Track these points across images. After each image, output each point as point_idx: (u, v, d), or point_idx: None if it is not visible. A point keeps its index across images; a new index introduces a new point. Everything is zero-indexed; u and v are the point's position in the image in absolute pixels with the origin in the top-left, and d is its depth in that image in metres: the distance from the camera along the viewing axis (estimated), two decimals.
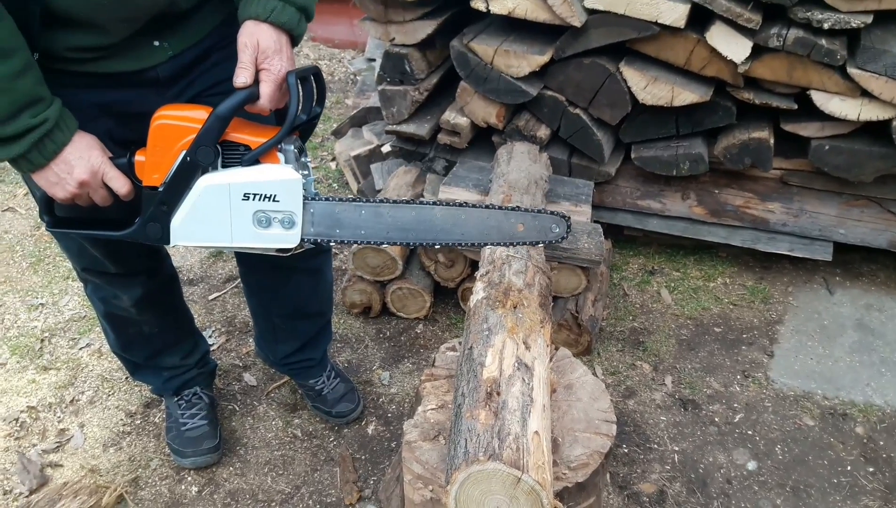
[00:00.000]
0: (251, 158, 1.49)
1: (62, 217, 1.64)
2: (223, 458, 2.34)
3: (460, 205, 1.63)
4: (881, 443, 2.36)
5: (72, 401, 2.54)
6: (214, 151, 1.47)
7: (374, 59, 4.07)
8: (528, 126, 2.87)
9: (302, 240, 1.57)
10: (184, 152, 1.47)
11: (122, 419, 2.47)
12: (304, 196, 1.53)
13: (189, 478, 2.28)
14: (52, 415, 2.49)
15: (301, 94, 1.49)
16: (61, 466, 2.31)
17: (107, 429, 2.44)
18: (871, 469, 2.28)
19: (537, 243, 1.70)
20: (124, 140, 1.61)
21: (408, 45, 2.81)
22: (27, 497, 2.18)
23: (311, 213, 1.57)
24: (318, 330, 2.36)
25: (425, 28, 2.75)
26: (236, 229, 1.53)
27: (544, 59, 2.65)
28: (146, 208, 1.54)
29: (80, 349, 2.75)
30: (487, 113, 2.85)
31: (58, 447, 2.37)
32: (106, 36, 1.49)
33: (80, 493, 2.07)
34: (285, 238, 1.55)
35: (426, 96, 2.96)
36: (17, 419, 2.45)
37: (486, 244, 1.68)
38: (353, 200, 1.60)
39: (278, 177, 1.50)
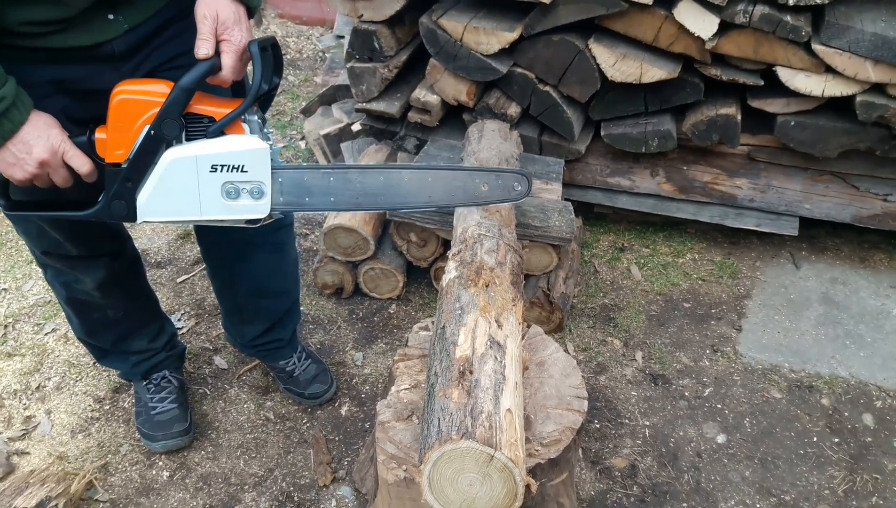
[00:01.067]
0: (216, 129, 1.48)
1: (19, 200, 1.59)
2: (195, 442, 2.32)
3: (427, 168, 1.67)
4: (846, 414, 2.40)
5: (38, 387, 2.50)
6: (179, 123, 1.46)
7: (342, 36, 4.02)
8: (498, 104, 2.86)
9: (272, 210, 1.56)
10: (147, 127, 1.45)
11: (90, 405, 2.44)
12: (271, 165, 1.52)
13: (160, 463, 2.26)
14: (18, 402, 2.45)
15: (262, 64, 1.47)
16: (28, 454, 2.28)
17: (74, 415, 2.41)
18: (836, 440, 2.32)
19: (502, 201, 1.76)
20: (80, 118, 1.57)
21: (376, 21, 2.77)
22: None
23: (280, 182, 1.57)
24: (286, 310, 2.34)
25: (393, 4, 2.72)
26: (205, 201, 1.52)
27: (514, 35, 2.64)
28: (110, 185, 1.51)
29: (46, 334, 2.71)
30: (458, 91, 2.83)
31: (24, 434, 2.34)
32: (62, 9, 1.45)
33: (48, 480, 2.04)
34: (255, 208, 1.54)
35: (396, 74, 2.93)
36: None
37: (453, 206, 1.73)
38: (321, 167, 1.58)
39: (246, 147, 1.49)
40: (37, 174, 1.45)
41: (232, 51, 1.48)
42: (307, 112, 3.80)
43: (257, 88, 1.45)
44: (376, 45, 2.80)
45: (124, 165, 1.48)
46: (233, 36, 1.48)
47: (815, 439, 2.33)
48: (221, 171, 1.49)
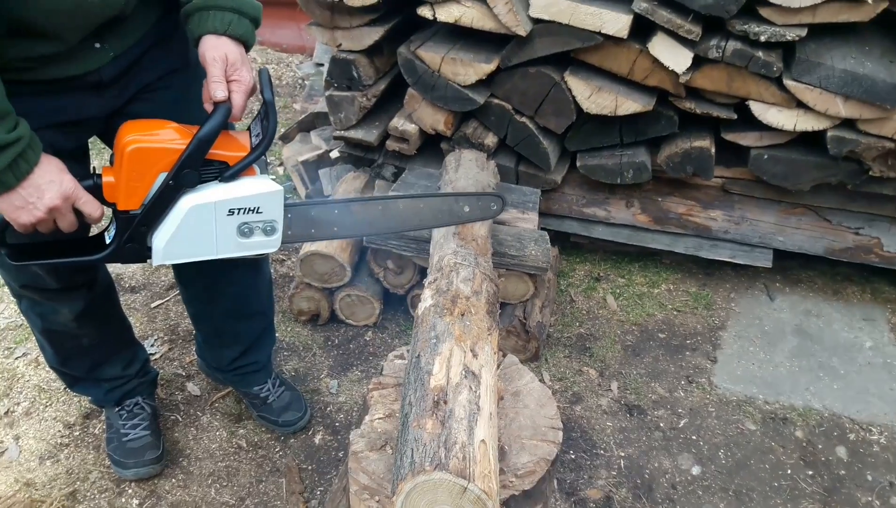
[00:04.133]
0: (231, 174, 1.51)
1: (22, 247, 1.56)
2: (165, 470, 2.29)
3: (419, 196, 1.91)
4: (819, 446, 2.42)
5: (6, 413, 2.46)
6: (197, 173, 1.48)
7: (322, 64, 4.04)
8: (475, 134, 2.88)
9: (282, 244, 1.62)
10: (164, 175, 1.46)
11: (59, 431, 2.40)
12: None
13: (130, 490, 2.23)
14: None
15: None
16: None
17: (43, 441, 2.37)
18: (810, 472, 2.34)
19: (482, 219, 2.05)
20: (65, 150, 1.57)
21: (355, 50, 2.79)
22: None
23: (289, 217, 1.63)
24: (261, 331, 2.33)
25: (372, 34, 2.74)
26: (221, 242, 1.56)
27: (491, 67, 2.66)
28: (122, 230, 1.51)
29: (16, 358, 2.67)
30: (435, 120, 2.85)
31: None
32: (59, 43, 1.47)
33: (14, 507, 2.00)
34: (267, 244, 1.60)
35: (374, 102, 2.94)
36: None
37: (441, 226, 1.98)
38: (327, 201, 1.65)
39: (262, 190, 1.53)
40: (43, 219, 1.42)
41: (242, 91, 1.52)
42: (286, 138, 3.80)
43: (272, 134, 1.49)
44: (355, 74, 2.82)
45: (138, 211, 1.49)
46: (242, 76, 1.52)
47: (789, 471, 2.34)
48: (238, 213, 1.53)
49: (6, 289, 2.91)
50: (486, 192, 1.87)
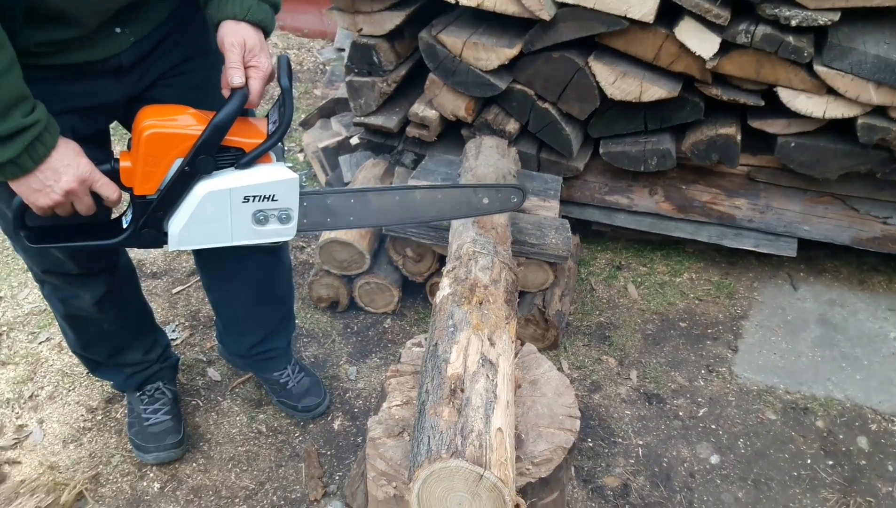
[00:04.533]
0: (247, 161, 1.51)
1: (41, 230, 1.57)
2: (186, 454, 2.31)
3: (437, 187, 1.85)
4: (840, 437, 2.39)
5: (31, 396, 2.49)
6: (213, 159, 1.48)
7: (343, 49, 4.03)
8: (496, 120, 2.86)
9: (297, 232, 1.62)
10: (180, 161, 1.46)
11: (82, 415, 2.43)
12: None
13: (151, 474, 2.25)
14: (10, 411, 2.44)
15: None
16: (19, 463, 2.27)
17: (67, 425, 2.40)
18: (830, 463, 2.31)
19: (501, 211, 2.00)
20: (85, 135, 1.59)
21: (376, 35, 2.78)
22: None
23: (304, 206, 1.63)
24: (281, 318, 2.34)
25: (393, 19, 2.72)
26: (236, 229, 1.56)
27: (513, 52, 2.64)
28: (138, 215, 1.52)
29: (40, 343, 2.70)
30: (456, 106, 2.84)
31: (16, 443, 2.33)
32: (79, 28, 1.47)
33: (38, 491, 2.03)
34: (282, 232, 1.60)
35: (394, 88, 2.93)
36: None
37: (458, 218, 1.95)
38: (343, 190, 1.64)
39: (277, 178, 1.53)
40: (61, 202, 1.43)
41: (259, 77, 1.51)
42: (306, 125, 3.80)
43: (289, 121, 1.49)
44: (375, 60, 2.81)
45: (154, 197, 1.50)
46: (260, 62, 1.51)
47: (809, 461, 2.32)
48: (253, 201, 1.53)
49: (30, 275, 2.95)
50: (506, 183, 1.84)
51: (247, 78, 1.50)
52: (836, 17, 2.35)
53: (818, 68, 2.45)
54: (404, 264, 2.72)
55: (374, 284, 2.75)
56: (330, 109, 3.69)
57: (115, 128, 1.82)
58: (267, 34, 1.58)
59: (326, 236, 2.61)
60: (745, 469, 2.29)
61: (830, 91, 2.49)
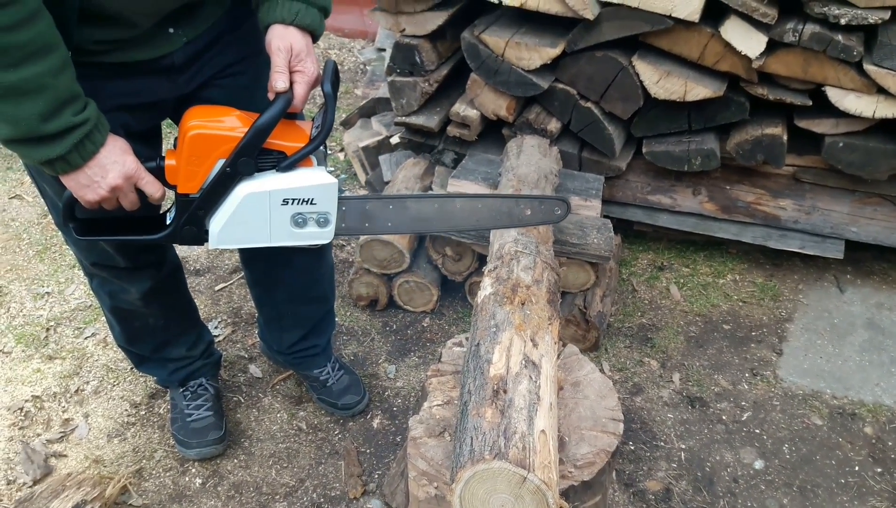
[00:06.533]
0: (288, 165, 1.53)
1: (88, 223, 1.62)
2: (227, 450, 2.33)
3: (477, 197, 1.81)
4: (889, 444, 2.34)
5: (77, 391, 2.53)
6: (254, 162, 1.50)
7: (384, 49, 4.04)
8: (538, 119, 2.85)
9: (335, 236, 1.64)
10: (222, 162, 1.49)
11: (126, 410, 2.47)
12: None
13: (193, 470, 2.28)
14: (57, 405, 2.48)
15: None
16: (65, 456, 2.31)
17: (111, 420, 2.44)
18: (879, 470, 2.26)
19: (543, 223, 1.95)
20: (137, 132, 1.63)
21: (418, 35, 2.78)
22: (31, 487, 2.18)
23: (343, 210, 1.65)
24: (322, 316, 2.35)
25: (436, 19, 2.72)
26: (275, 230, 1.58)
27: (556, 51, 2.63)
28: (180, 212, 1.55)
29: (86, 338, 2.75)
30: (498, 106, 2.83)
31: (62, 437, 2.37)
32: (132, 28, 1.50)
33: (84, 484, 2.06)
34: (321, 235, 1.61)
35: (436, 88, 2.93)
36: (21, 409, 2.45)
37: (498, 228, 1.92)
38: (382, 196, 1.65)
39: (316, 182, 1.54)
40: (107, 198, 1.48)
41: (305, 82, 1.53)
42: (347, 124, 3.82)
43: (330, 127, 1.50)
44: (417, 60, 2.81)
45: (196, 195, 1.53)
46: (306, 67, 1.53)
47: (856, 468, 2.27)
48: (292, 204, 1.55)
49: (78, 271, 3.02)
50: (549, 195, 1.82)
51: (292, 83, 1.51)
52: (887, 15, 2.30)
53: (868, 67, 2.39)
54: (444, 264, 2.72)
55: (414, 282, 2.75)
56: (370, 109, 3.70)
57: (170, 125, 1.84)
58: (315, 39, 1.59)
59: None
60: (791, 475, 2.25)
61: (881, 90, 2.44)
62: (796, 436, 2.37)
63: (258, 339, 2.60)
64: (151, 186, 1.51)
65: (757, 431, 2.39)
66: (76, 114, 1.36)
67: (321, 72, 1.54)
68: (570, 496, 1.48)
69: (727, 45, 2.46)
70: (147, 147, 1.61)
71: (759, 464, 2.28)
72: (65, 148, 1.37)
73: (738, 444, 2.34)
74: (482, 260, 2.61)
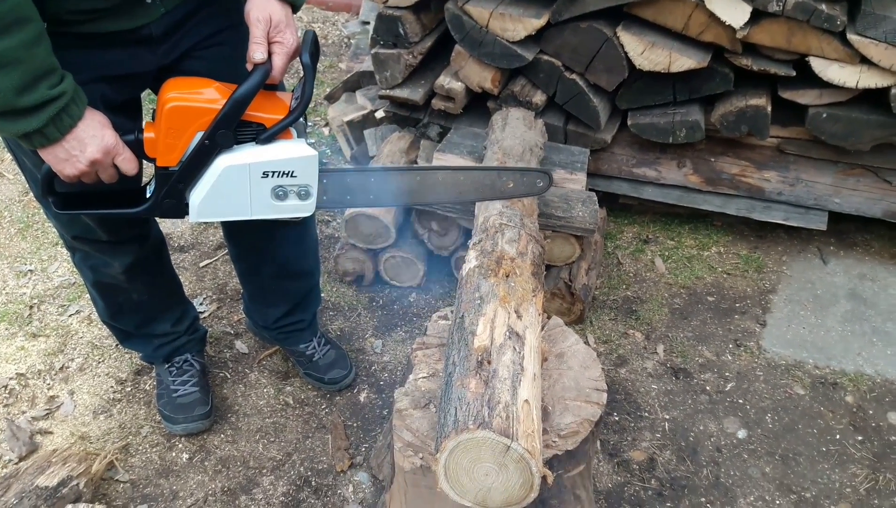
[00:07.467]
0: (267, 137, 1.52)
1: (68, 197, 1.61)
2: (214, 425, 2.33)
3: (459, 168, 1.83)
4: (870, 412, 2.37)
5: (61, 368, 2.53)
6: (233, 133, 1.49)
7: (368, 22, 4.00)
8: (523, 92, 2.84)
9: (316, 208, 1.63)
10: (200, 134, 1.48)
11: (112, 387, 2.46)
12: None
13: (180, 445, 2.28)
14: (42, 382, 2.47)
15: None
16: (51, 433, 2.31)
17: (97, 396, 2.43)
18: (859, 438, 2.29)
19: (526, 196, 1.95)
20: (115, 103, 1.61)
21: (402, 6, 2.75)
22: (16, 464, 2.18)
23: (324, 183, 1.64)
24: (307, 291, 2.35)
25: None
26: (255, 203, 1.58)
27: (540, 22, 2.61)
28: (160, 185, 1.55)
29: (70, 315, 2.73)
30: (482, 78, 2.81)
31: (47, 414, 2.37)
32: None
33: (70, 460, 2.06)
34: (301, 208, 1.61)
35: (420, 60, 2.91)
36: (5, 387, 2.44)
37: (481, 200, 1.90)
38: (363, 169, 1.64)
39: (296, 154, 1.54)
40: (86, 172, 1.47)
41: (283, 53, 1.51)
42: (331, 98, 3.79)
43: (309, 98, 1.50)
44: (401, 31, 2.78)
45: (176, 168, 1.52)
46: (285, 38, 1.51)
47: (837, 436, 2.30)
48: (272, 176, 1.55)
49: (60, 248, 2.99)
50: (532, 167, 1.82)
51: (270, 53, 1.50)
52: None
53: (851, 37, 2.39)
54: (430, 238, 2.72)
55: (400, 257, 2.75)
56: (355, 83, 3.67)
57: (149, 95, 1.83)
58: (295, 9, 1.57)
59: (352, 209, 2.61)
60: (773, 443, 2.27)
61: (864, 60, 2.44)
62: (779, 406, 2.39)
63: (244, 315, 2.60)
64: (128, 164, 1.50)
65: (740, 401, 2.41)
66: (52, 87, 1.35)
67: (301, 43, 1.53)
68: (554, 465, 1.49)
69: (711, 14, 2.45)
70: (127, 119, 1.59)
71: (742, 434, 2.31)
72: (41, 122, 1.36)
73: (721, 414, 2.37)
74: (468, 235, 2.60)
